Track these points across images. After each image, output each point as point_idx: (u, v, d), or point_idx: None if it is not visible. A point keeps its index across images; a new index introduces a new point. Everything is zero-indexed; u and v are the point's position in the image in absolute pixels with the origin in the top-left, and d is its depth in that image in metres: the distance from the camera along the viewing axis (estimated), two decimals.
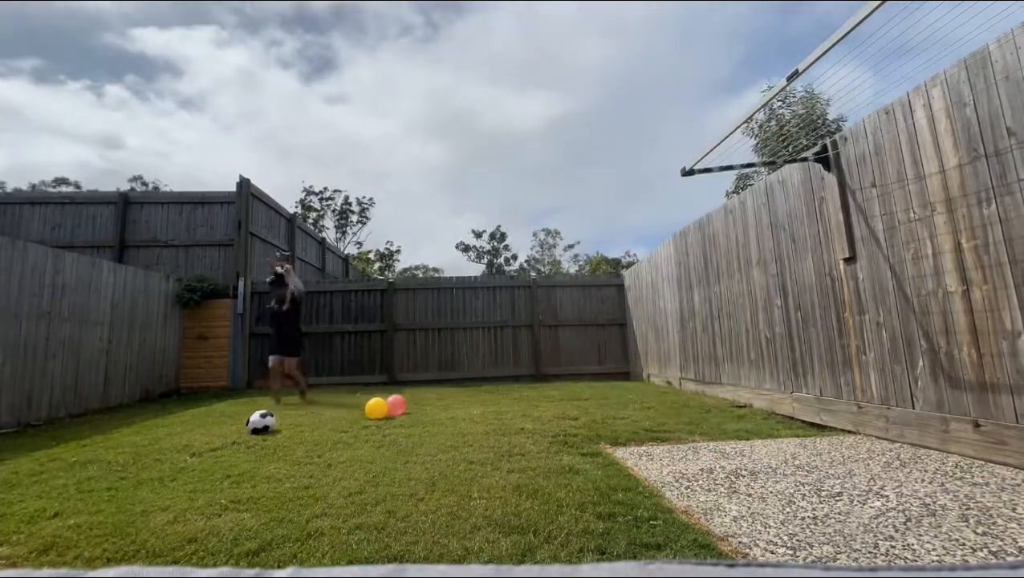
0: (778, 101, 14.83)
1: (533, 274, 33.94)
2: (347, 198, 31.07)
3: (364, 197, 31.50)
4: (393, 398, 4.77)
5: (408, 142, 66.26)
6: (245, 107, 64.99)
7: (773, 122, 15.50)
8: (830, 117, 14.45)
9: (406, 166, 66.97)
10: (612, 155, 68.42)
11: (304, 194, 30.51)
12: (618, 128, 68.53)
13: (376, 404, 4.50)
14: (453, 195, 68.47)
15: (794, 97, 15.15)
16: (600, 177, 67.82)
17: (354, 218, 31.19)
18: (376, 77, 64.70)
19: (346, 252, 21.27)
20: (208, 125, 65.79)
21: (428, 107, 65.00)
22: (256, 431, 3.77)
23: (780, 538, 1.76)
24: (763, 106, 3.58)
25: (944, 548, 1.63)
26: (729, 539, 1.77)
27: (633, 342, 8.66)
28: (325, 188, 30.77)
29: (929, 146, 2.88)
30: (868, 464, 2.66)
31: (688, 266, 6.35)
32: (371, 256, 31.15)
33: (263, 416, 3.84)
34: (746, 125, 4.28)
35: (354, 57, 64.13)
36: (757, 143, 15.36)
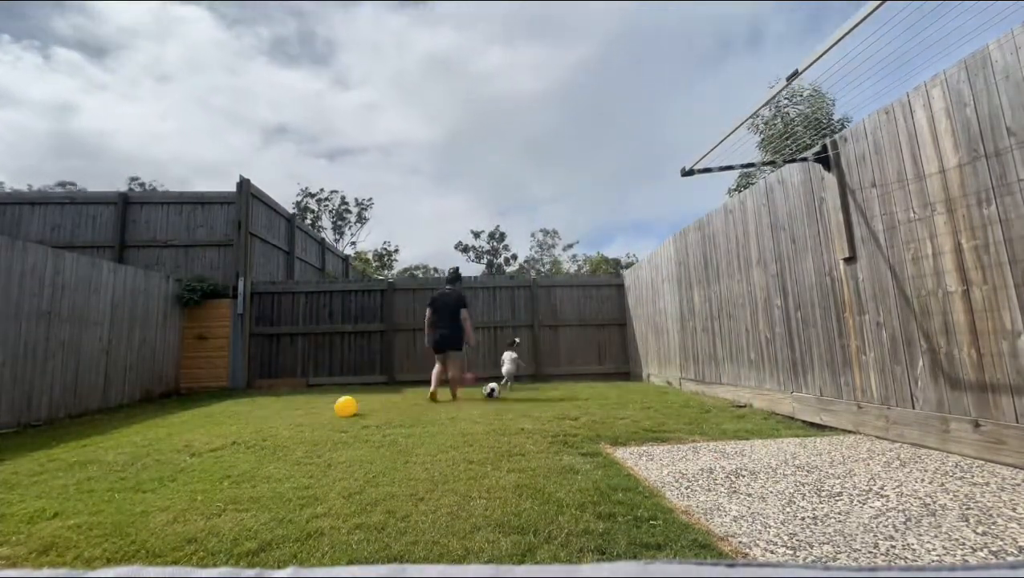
0: (784, 98, 14.82)
1: (533, 274, 33.94)
2: (343, 198, 31.19)
3: (363, 198, 31.66)
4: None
5: (390, 117, 59.79)
6: (165, 64, 54.10)
7: (779, 120, 15.49)
8: (835, 117, 14.46)
9: (389, 145, 60.78)
10: (617, 128, 62.54)
11: (301, 197, 30.60)
12: (623, 95, 62.61)
13: (345, 403, 4.57)
14: (443, 181, 63.62)
15: (800, 96, 15.14)
16: (603, 158, 62.66)
17: (352, 218, 31.28)
18: (354, 38, 58.09)
19: (345, 252, 21.29)
20: (116, 83, 55.73)
21: (413, 74, 58.16)
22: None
23: (780, 538, 1.76)
24: (764, 105, 3.58)
25: (944, 548, 1.63)
26: (729, 539, 1.77)
27: (633, 342, 8.65)
28: (322, 189, 30.97)
29: (929, 146, 2.88)
30: (868, 464, 2.66)
31: (688, 266, 6.35)
32: (370, 256, 31.21)
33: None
34: (750, 122, 4.29)
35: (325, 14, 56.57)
36: (762, 139, 15.33)
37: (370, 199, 31.91)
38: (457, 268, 6.43)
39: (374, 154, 61.51)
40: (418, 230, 60.96)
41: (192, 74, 58.05)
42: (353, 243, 31.26)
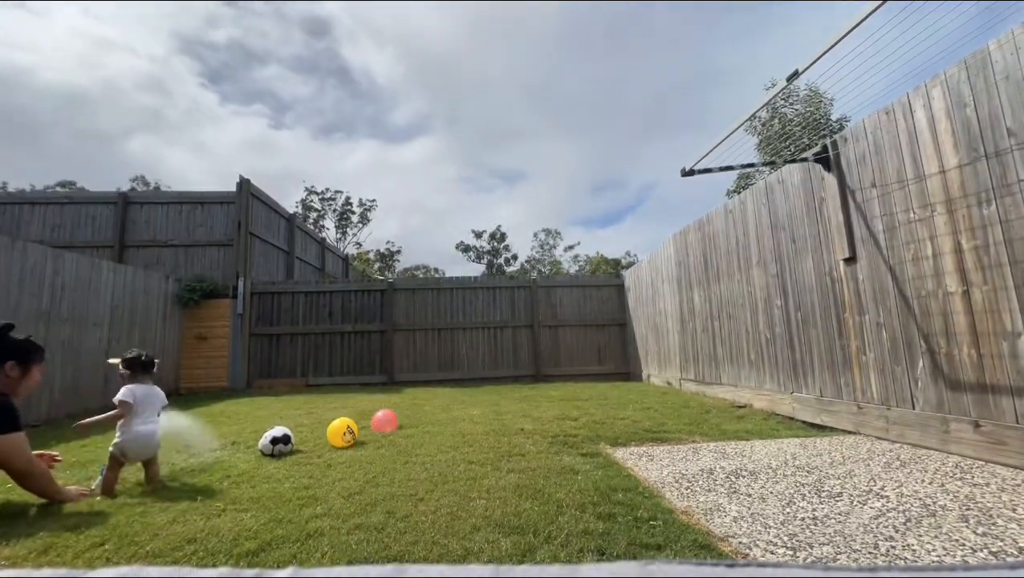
0: (781, 99, 14.84)
1: (533, 274, 33.97)
2: (348, 199, 31.43)
3: (367, 199, 31.90)
4: (381, 414, 4.00)
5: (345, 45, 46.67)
6: None
7: (776, 120, 15.51)
8: (833, 117, 14.48)
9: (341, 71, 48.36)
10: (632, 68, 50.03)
11: (306, 193, 30.82)
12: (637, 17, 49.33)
13: (334, 430, 3.38)
14: (408, 130, 52.80)
15: (797, 96, 15.17)
16: (612, 116, 52.27)
17: (355, 218, 31.48)
18: None
19: (346, 252, 21.35)
20: None
21: None
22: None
23: (780, 538, 1.76)
24: (764, 106, 3.58)
25: (944, 549, 1.63)
26: (729, 539, 1.77)
27: (633, 342, 8.65)
28: (327, 189, 31.28)
29: (929, 146, 2.88)
30: (868, 464, 2.66)
31: (688, 266, 6.35)
32: (371, 256, 31.38)
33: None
34: (748, 123, 4.29)
35: None
36: (760, 141, 15.37)
37: (373, 200, 32.16)
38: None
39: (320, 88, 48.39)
40: (385, 198, 52.47)
41: None
42: (358, 244, 31.44)
